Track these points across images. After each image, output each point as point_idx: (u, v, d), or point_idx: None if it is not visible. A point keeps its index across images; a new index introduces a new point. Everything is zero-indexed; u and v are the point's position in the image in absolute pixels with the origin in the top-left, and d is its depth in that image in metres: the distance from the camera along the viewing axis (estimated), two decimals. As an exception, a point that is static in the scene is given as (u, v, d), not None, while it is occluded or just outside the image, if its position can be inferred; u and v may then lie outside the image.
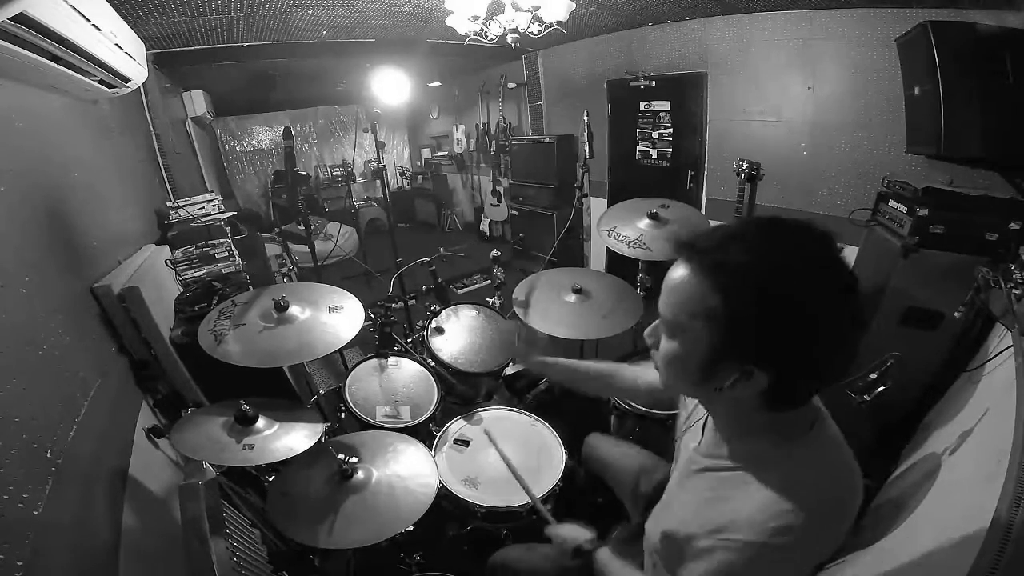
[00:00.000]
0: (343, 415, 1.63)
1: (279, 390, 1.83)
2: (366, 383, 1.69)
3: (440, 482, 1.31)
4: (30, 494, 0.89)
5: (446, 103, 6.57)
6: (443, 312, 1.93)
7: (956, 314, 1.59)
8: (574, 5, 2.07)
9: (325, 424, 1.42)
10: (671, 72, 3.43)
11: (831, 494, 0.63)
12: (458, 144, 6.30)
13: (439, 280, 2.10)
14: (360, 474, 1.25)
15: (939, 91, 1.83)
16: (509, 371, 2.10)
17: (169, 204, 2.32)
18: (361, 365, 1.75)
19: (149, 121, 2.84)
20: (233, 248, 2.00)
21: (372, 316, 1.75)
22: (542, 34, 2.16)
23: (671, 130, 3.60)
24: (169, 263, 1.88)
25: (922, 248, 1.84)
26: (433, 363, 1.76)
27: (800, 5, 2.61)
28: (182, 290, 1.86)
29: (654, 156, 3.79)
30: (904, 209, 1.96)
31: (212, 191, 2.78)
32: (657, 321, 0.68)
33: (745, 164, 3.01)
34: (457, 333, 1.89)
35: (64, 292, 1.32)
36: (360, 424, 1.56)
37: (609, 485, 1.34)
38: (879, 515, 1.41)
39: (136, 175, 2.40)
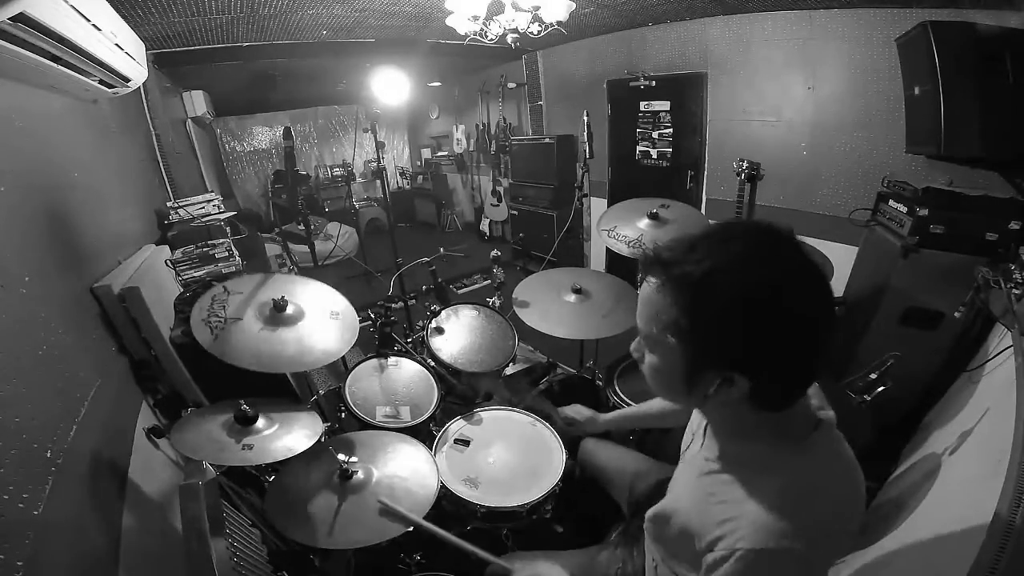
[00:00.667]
0: (343, 415, 1.63)
1: (279, 390, 1.83)
2: (366, 383, 1.69)
3: (440, 482, 1.30)
4: (30, 494, 0.89)
5: (446, 103, 6.58)
6: (443, 312, 1.93)
7: (956, 314, 1.59)
8: (574, 5, 2.08)
9: (325, 424, 1.42)
10: (671, 72, 3.43)
11: (832, 507, 0.62)
12: (458, 144, 6.30)
13: (439, 280, 2.09)
14: (360, 474, 1.25)
15: (939, 91, 1.84)
16: (509, 371, 2.10)
17: (169, 204, 2.32)
18: (361, 365, 1.75)
19: (149, 121, 2.84)
20: (233, 248, 2.00)
21: (372, 316, 1.75)
22: (542, 34, 2.16)
23: (671, 130, 3.61)
24: (169, 263, 1.88)
25: (922, 248, 1.84)
26: (433, 363, 1.76)
27: (800, 5, 2.61)
28: (182, 290, 1.86)
29: (654, 156, 3.79)
30: (904, 209, 1.96)
31: (212, 191, 2.78)
32: (639, 337, 0.69)
33: (745, 164, 3.02)
34: (457, 333, 1.89)
35: (64, 292, 1.32)
36: (360, 424, 1.55)
37: (605, 489, 1.35)
38: (879, 515, 1.41)
39: (136, 175, 2.40)
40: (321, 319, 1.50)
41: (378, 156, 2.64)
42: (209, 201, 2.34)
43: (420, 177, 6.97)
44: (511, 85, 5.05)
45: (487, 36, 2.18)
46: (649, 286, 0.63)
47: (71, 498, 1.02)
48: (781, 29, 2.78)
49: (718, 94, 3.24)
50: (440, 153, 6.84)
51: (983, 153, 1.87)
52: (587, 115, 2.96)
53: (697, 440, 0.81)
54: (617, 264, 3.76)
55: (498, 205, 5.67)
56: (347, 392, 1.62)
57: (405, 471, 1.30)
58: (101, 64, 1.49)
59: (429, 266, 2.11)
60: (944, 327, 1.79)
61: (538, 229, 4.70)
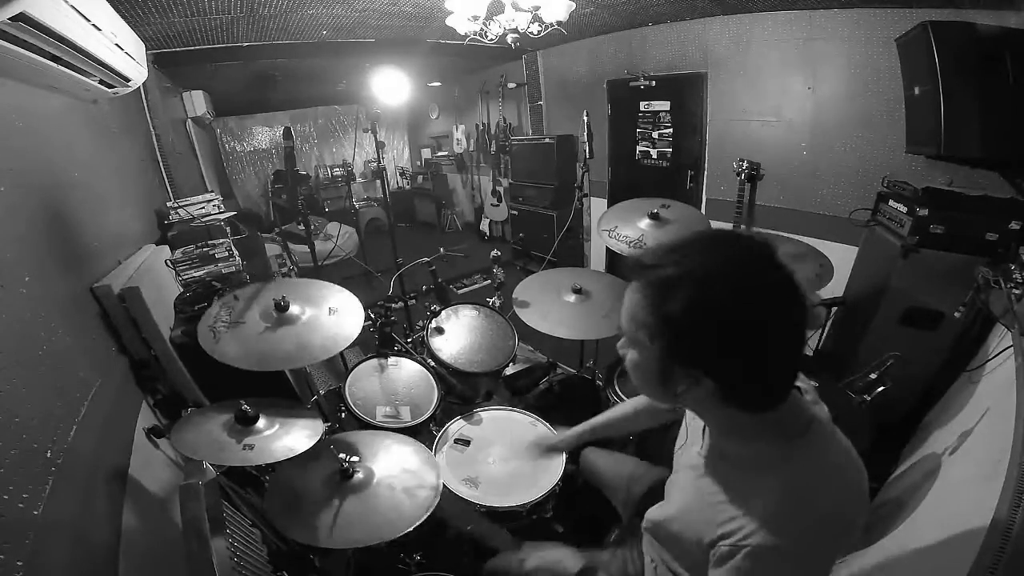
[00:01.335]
0: (343, 415, 1.63)
1: (279, 390, 1.83)
2: (366, 383, 1.69)
3: (440, 482, 1.30)
4: (30, 494, 0.89)
5: (446, 103, 6.58)
6: (443, 312, 1.93)
7: (956, 314, 1.59)
8: (574, 5, 2.07)
9: (325, 424, 1.42)
10: (671, 72, 3.43)
11: (833, 503, 0.63)
12: (458, 144, 6.30)
13: (439, 280, 2.09)
14: (360, 474, 1.25)
15: (939, 91, 1.83)
16: (509, 371, 2.10)
17: (169, 204, 2.31)
18: (361, 365, 1.75)
19: (149, 121, 2.84)
20: (233, 248, 2.00)
21: (372, 316, 1.75)
22: (542, 34, 2.16)
23: (671, 130, 3.61)
24: (169, 263, 1.88)
25: (922, 248, 1.84)
26: (433, 363, 1.76)
27: (800, 5, 2.61)
28: (182, 290, 1.86)
29: (654, 156, 3.79)
30: (904, 209, 1.97)
31: (212, 191, 2.78)
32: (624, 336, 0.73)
33: (745, 164, 3.02)
34: (457, 333, 1.89)
35: (64, 292, 1.32)
36: (360, 424, 1.56)
37: (605, 494, 1.36)
38: (879, 515, 1.41)
39: (136, 175, 2.40)
40: (323, 316, 1.51)
41: (378, 156, 2.63)
42: (209, 201, 2.34)
43: (420, 177, 6.97)
44: (511, 85, 5.05)
45: (487, 36, 2.18)
46: (630, 288, 0.68)
47: (71, 498, 1.02)
48: (781, 29, 2.78)
49: (718, 94, 3.24)
50: (440, 153, 6.84)
51: (983, 153, 1.87)
52: (587, 115, 2.96)
53: (695, 442, 0.82)
54: (617, 264, 3.76)
55: (498, 205, 5.67)
56: (347, 392, 1.62)
57: (405, 471, 1.30)
58: (101, 64, 1.49)
59: (429, 266, 2.11)
60: (944, 327, 1.79)
61: (538, 229, 4.70)
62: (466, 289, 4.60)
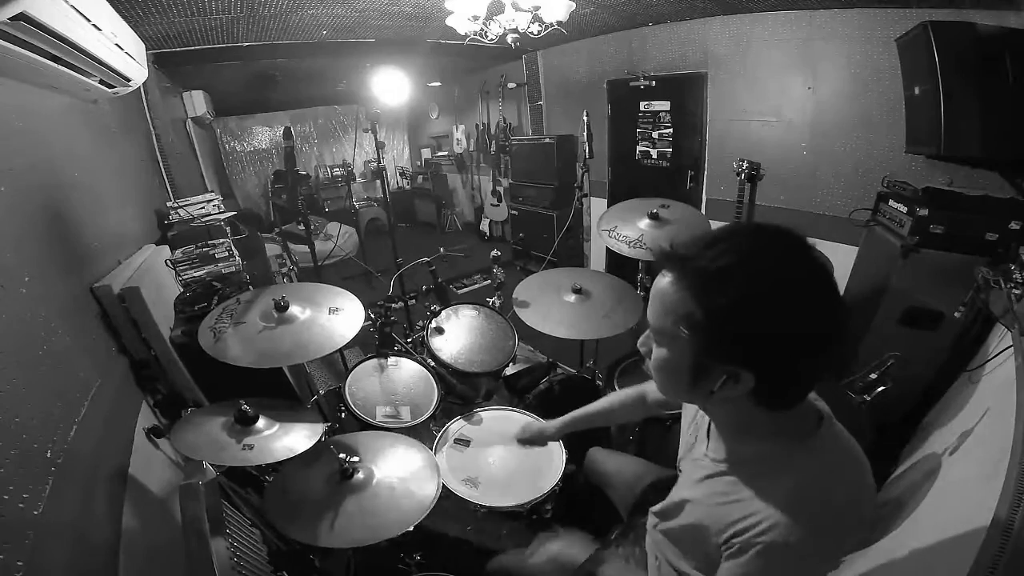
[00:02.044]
0: (343, 415, 1.63)
1: (279, 390, 1.83)
2: (366, 383, 1.69)
3: (440, 482, 1.30)
4: (30, 494, 0.89)
5: (446, 103, 6.58)
6: (443, 312, 1.93)
7: (956, 314, 1.59)
8: (574, 5, 2.07)
9: (325, 424, 1.42)
10: (671, 72, 3.43)
11: (847, 499, 0.63)
12: (458, 144, 6.30)
13: (439, 280, 2.09)
14: (360, 474, 1.25)
15: (939, 91, 1.83)
16: (509, 371, 2.10)
17: (169, 204, 2.31)
18: (361, 365, 1.75)
19: (149, 121, 2.84)
20: (233, 248, 2.00)
21: (372, 316, 1.75)
22: (542, 34, 2.16)
23: (671, 130, 3.61)
24: (169, 263, 1.88)
25: (922, 248, 1.84)
26: (433, 363, 1.76)
27: (800, 5, 2.61)
28: (182, 290, 1.86)
29: (654, 156, 3.79)
30: (904, 209, 1.96)
31: (212, 191, 2.78)
32: (649, 330, 0.70)
33: (745, 164, 3.02)
34: (457, 333, 1.89)
35: (64, 292, 1.32)
36: (360, 424, 1.56)
37: (608, 494, 1.36)
38: (879, 515, 1.41)
39: (136, 175, 2.40)
40: (322, 316, 1.51)
41: (378, 156, 2.64)
42: (209, 201, 2.34)
43: (420, 177, 6.97)
44: (511, 85, 5.05)
45: (487, 36, 2.18)
46: (664, 279, 0.64)
47: (71, 498, 1.02)
48: (781, 29, 2.78)
49: (718, 94, 3.24)
50: (440, 153, 6.84)
51: (983, 153, 1.87)
52: (587, 115, 2.96)
53: (701, 442, 0.82)
54: (617, 264, 3.76)
55: (498, 205, 5.67)
56: (347, 392, 1.62)
57: (405, 471, 1.30)
58: (101, 64, 1.49)
59: (429, 266, 2.11)
60: (944, 327, 1.79)
61: (538, 229, 4.70)
62: (466, 289, 4.60)
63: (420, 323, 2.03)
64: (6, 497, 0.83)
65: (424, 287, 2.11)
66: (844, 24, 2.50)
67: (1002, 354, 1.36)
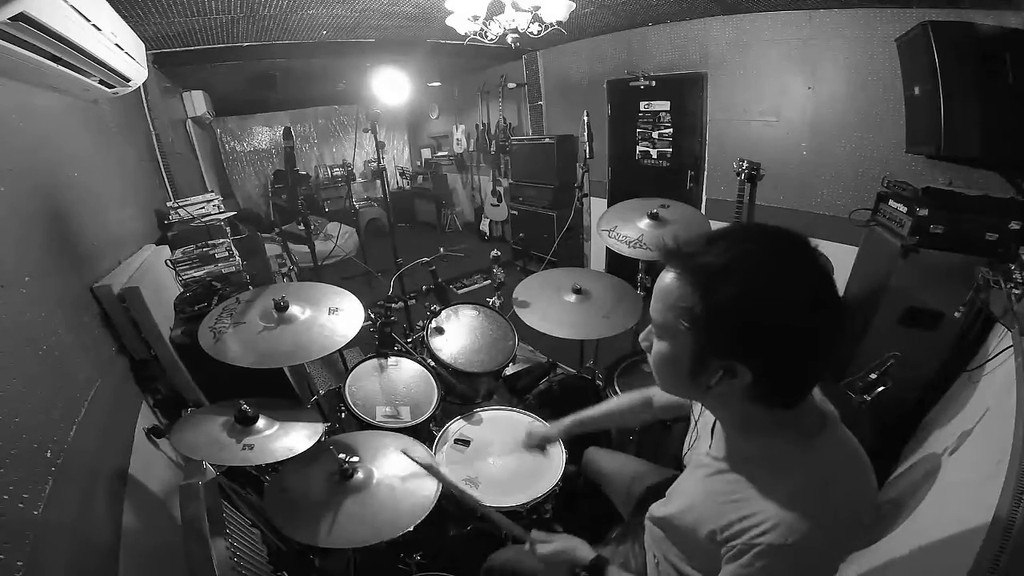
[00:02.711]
0: (343, 415, 1.63)
1: (279, 390, 1.83)
2: (366, 383, 1.69)
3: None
4: (30, 494, 0.89)
5: (446, 103, 6.58)
6: (443, 312, 1.93)
7: (956, 314, 1.59)
8: (574, 5, 2.08)
9: (325, 424, 1.42)
10: (671, 72, 3.43)
11: (848, 501, 0.63)
12: (458, 144, 6.30)
13: (439, 280, 2.09)
14: (360, 474, 1.25)
15: (939, 91, 1.83)
16: (509, 371, 2.10)
17: (169, 204, 2.31)
18: (361, 365, 1.75)
19: (149, 121, 2.84)
20: (233, 248, 2.00)
21: (372, 316, 1.75)
22: (542, 34, 2.16)
23: (671, 130, 3.61)
24: (169, 263, 1.88)
25: (922, 248, 1.84)
26: (433, 363, 1.76)
27: (800, 5, 2.61)
28: (182, 290, 1.86)
29: (654, 156, 3.79)
30: (904, 209, 1.96)
31: (212, 191, 2.78)
32: (650, 326, 0.71)
33: (745, 164, 3.01)
34: (457, 333, 1.89)
35: (64, 292, 1.32)
36: (360, 424, 1.56)
37: (606, 493, 1.36)
38: (879, 515, 1.41)
39: (136, 175, 2.40)
40: (321, 316, 1.51)
41: (378, 156, 2.63)
42: (209, 201, 2.34)
43: (420, 177, 6.97)
44: (511, 85, 5.05)
45: (487, 36, 2.18)
46: (668, 275, 0.65)
47: (71, 498, 1.02)
48: (781, 29, 2.78)
49: (718, 94, 3.24)
50: (440, 153, 6.84)
51: (983, 153, 1.87)
52: (587, 115, 2.96)
53: (704, 440, 0.82)
54: (617, 264, 3.76)
55: (498, 205, 5.67)
56: (347, 392, 1.62)
57: (405, 471, 1.30)
58: (101, 64, 1.49)
59: (429, 266, 2.11)
60: (944, 327, 1.79)
61: (538, 229, 4.70)
62: (466, 289, 4.60)
63: (420, 323, 2.03)
64: (6, 497, 0.83)
65: (424, 287, 2.11)
66: (844, 24, 2.50)
67: (1002, 354, 1.36)
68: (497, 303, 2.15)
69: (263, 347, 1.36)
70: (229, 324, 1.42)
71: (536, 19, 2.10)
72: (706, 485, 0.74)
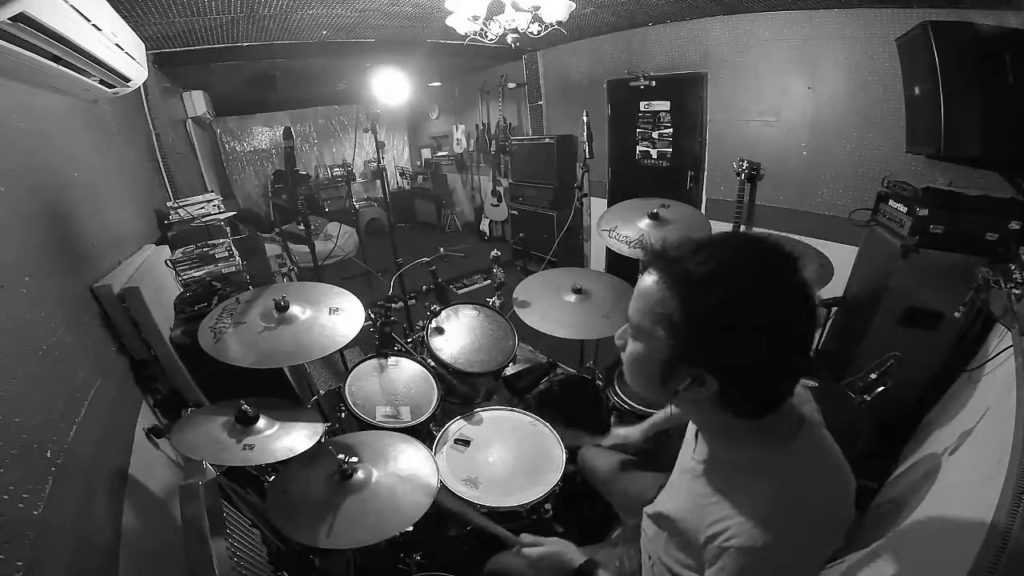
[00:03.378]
0: (343, 415, 1.63)
1: (279, 390, 1.83)
2: (366, 383, 1.69)
3: (440, 482, 1.30)
4: (30, 494, 0.89)
5: (446, 103, 6.58)
6: (443, 312, 1.93)
7: (956, 314, 1.59)
8: (574, 5, 2.07)
9: (325, 424, 1.42)
10: (671, 72, 3.43)
11: (819, 505, 0.64)
12: (458, 144, 6.30)
13: (439, 280, 2.09)
14: (360, 474, 1.25)
15: (939, 91, 1.83)
16: (509, 371, 2.10)
17: (169, 204, 2.31)
18: (361, 365, 1.75)
19: (149, 121, 2.84)
20: (233, 248, 2.00)
21: (372, 316, 1.75)
22: (542, 34, 2.16)
23: (671, 130, 3.61)
24: (169, 263, 1.88)
25: (922, 248, 1.84)
26: (433, 363, 1.76)
27: (800, 5, 2.61)
28: (182, 290, 1.86)
29: (654, 156, 3.79)
30: (904, 209, 1.96)
31: (212, 191, 2.78)
32: (626, 325, 0.71)
33: (745, 164, 3.01)
34: (457, 333, 1.89)
35: (64, 292, 1.32)
36: (360, 424, 1.56)
37: (602, 493, 1.36)
38: (879, 515, 1.41)
39: (136, 175, 2.40)
40: (322, 316, 1.51)
41: (378, 156, 2.63)
42: (209, 201, 2.34)
43: (420, 177, 6.97)
44: (511, 85, 5.05)
45: (487, 36, 2.18)
46: (649, 278, 0.65)
47: (71, 498, 1.02)
48: (781, 29, 2.78)
49: (718, 94, 3.24)
50: (440, 153, 6.83)
51: (983, 153, 1.87)
52: (587, 115, 2.96)
53: (690, 444, 0.83)
54: (617, 264, 3.76)
55: (498, 205, 5.67)
56: (347, 392, 1.62)
57: (405, 471, 1.30)
58: (101, 64, 1.49)
59: (429, 266, 2.11)
60: (944, 327, 1.79)
61: (538, 229, 4.70)
62: (466, 289, 4.60)
63: (420, 323, 2.03)
64: (6, 497, 0.83)
65: (424, 287, 2.11)
66: (844, 24, 2.50)
67: (1002, 354, 1.36)
68: (497, 303, 2.15)
69: (263, 347, 1.36)
70: (229, 324, 1.42)
71: (536, 19, 2.10)
72: (691, 487, 0.76)
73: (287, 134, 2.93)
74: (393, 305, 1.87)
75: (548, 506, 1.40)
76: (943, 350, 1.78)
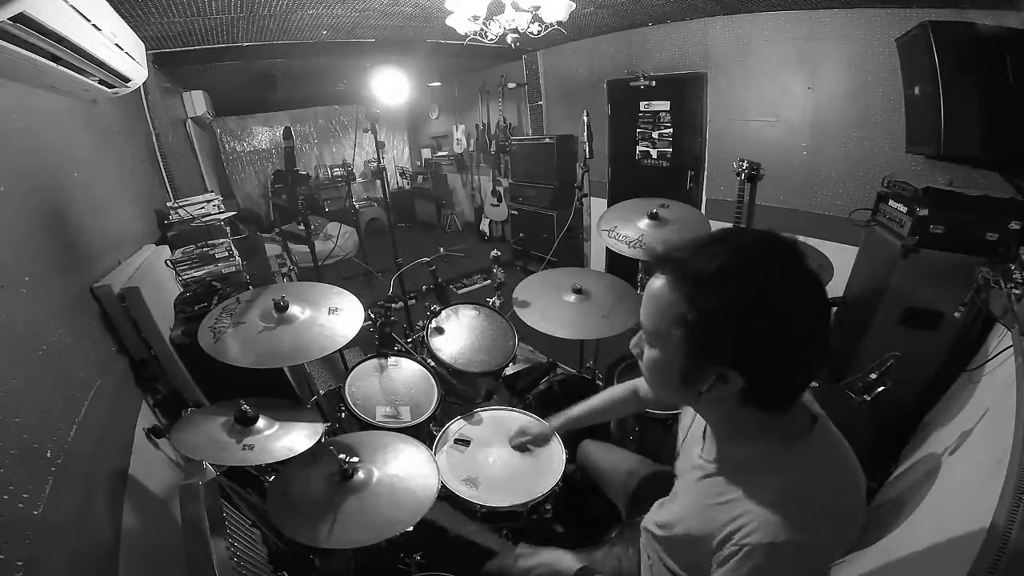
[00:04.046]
0: (343, 415, 1.63)
1: (279, 390, 1.83)
2: (366, 383, 1.69)
3: (440, 482, 1.30)
4: (30, 494, 0.89)
5: (446, 103, 6.58)
6: (443, 312, 1.93)
7: (956, 314, 1.59)
8: (574, 5, 2.07)
9: (325, 424, 1.42)
10: (671, 72, 3.43)
11: (836, 499, 0.64)
12: (458, 144, 6.30)
13: (439, 280, 2.09)
14: (360, 474, 1.25)
15: (939, 91, 1.83)
16: (509, 371, 2.10)
17: (169, 204, 2.32)
18: (361, 365, 1.75)
19: (149, 121, 2.84)
20: (233, 248, 2.00)
21: (372, 316, 1.75)
22: (542, 34, 2.16)
23: (671, 130, 3.61)
24: (169, 263, 1.88)
25: (922, 248, 1.84)
26: (433, 363, 1.76)
27: (800, 5, 2.61)
28: (182, 290, 1.86)
29: (654, 156, 3.79)
30: (904, 209, 1.96)
31: (212, 191, 2.78)
32: (641, 332, 0.70)
33: (745, 164, 3.01)
34: (457, 333, 1.89)
35: (64, 292, 1.32)
36: (360, 424, 1.56)
37: (603, 489, 1.36)
38: (879, 515, 1.41)
39: (136, 175, 2.40)
40: (321, 316, 1.51)
41: (378, 156, 2.63)
42: (209, 201, 2.34)
43: (420, 177, 6.97)
44: (511, 85, 5.05)
45: (487, 36, 2.18)
46: (658, 281, 0.65)
47: (71, 498, 1.02)
48: (781, 29, 2.78)
49: (718, 94, 3.24)
50: (440, 153, 6.83)
51: (983, 153, 1.87)
52: (587, 115, 2.96)
53: (696, 444, 0.82)
54: (617, 264, 3.76)
55: (498, 205, 5.67)
56: (347, 392, 1.62)
57: (405, 471, 1.30)
58: (101, 64, 1.49)
59: (429, 266, 2.11)
60: (944, 327, 1.79)
61: (538, 229, 4.70)
62: (466, 289, 4.60)
63: (420, 323, 2.03)
64: (6, 497, 0.83)
65: (424, 287, 2.11)
66: (844, 24, 2.50)
67: (1002, 354, 1.36)
68: (497, 303, 2.15)
69: (263, 347, 1.36)
70: (229, 324, 1.42)
71: (536, 19, 2.10)
72: (698, 488, 0.75)
73: (287, 134, 2.93)
74: (393, 305, 1.87)
75: (548, 506, 1.40)
76: (943, 350, 1.78)
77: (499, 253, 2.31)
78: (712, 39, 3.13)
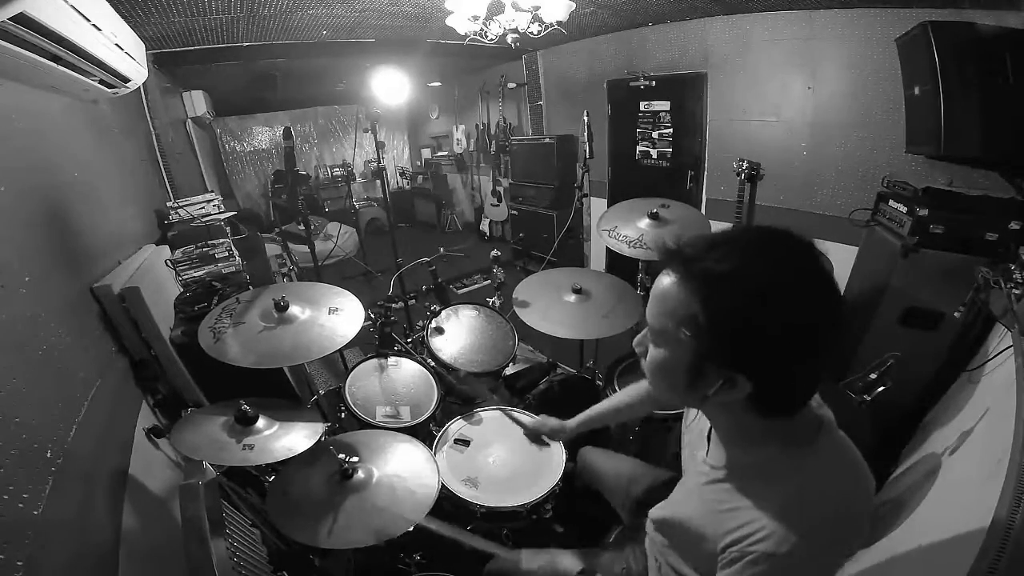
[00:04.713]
0: (343, 415, 1.63)
1: (279, 390, 1.83)
2: (366, 383, 1.69)
3: (440, 482, 1.30)
4: (30, 494, 0.89)
5: (446, 103, 6.57)
6: (443, 312, 1.93)
7: (956, 314, 1.59)
8: (574, 5, 2.07)
9: (325, 424, 1.42)
10: (671, 72, 3.43)
11: (844, 507, 0.62)
12: (458, 144, 6.30)
13: (439, 280, 2.09)
14: (360, 474, 1.25)
15: (939, 91, 1.83)
16: (509, 371, 2.10)
17: (169, 204, 2.32)
18: (361, 365, 1.75)
19: (149, 121, 2.84)
20: (233, 248, 2.00)
21: (372, 316, 1.75)
22: (542, 34, 2.16)
23: (671, 130, 3.60)
24: (169, 263, 1.88)
25: (922, 248, 1.84)
26: (433, 363, 1.76)
27: (800, 5, 2.61)
28: (182, 290, 1.86)
29: (654, 156, 3.79)
30: (904, 209, 1.96)
31: (212, 191, 2.78)
32: (645, 330, 0.68)
33: (745, 164, 3.01)
34: (457, 333, 1.89)
35: (64, 292, 1.32)
36: (360, 424, 1.56)
37: (603, 494, 1.36)
38: (879, 515, 1.41)
39: (136, 175, 2.40)
40: (321, 316, 1.50)
41: (378, 156, 2.63)
42: (209, 201, 2.34)
43: (420, 177, 6.97)
44: (511, 85, 5.04)
45: (487, 36, 2.18)
46: (667, 279, 0.62)
47: (71, 498, 1.02)
48: (781, 29, 2.78)
49: (718, 94, 3.24)
50: (440, 153, 6.83)
51: (983, 153, 1.87)
52: (587, 115, 2.96)
53: (701, 447, 0.81)
54: (617, 264, 3.76)
55: (498, 205, 5.67)
56: (347, 392, 1.62)
57: (405, 471, 1.30)
58: (101, 64, 1.49)
59: (429, 266, 2.11)
60: (944, 327, 1.79)
61: (538, 229, 4.70)
62: (466, 289, 4.60)
63: (420, 323, 2.03)
64: (6, 497, 0.83)
65: (424, 287, 2.11)
66: (844, 24, 2.50)
67: (1002, 354, 1.36)
68: (497, 303, 2.15)
69: (263, 347, 1.36)
70: (229, 324, 1.42)
71: (536, 19, 2.10)
72: (703, 493, 0.73)
73: (287, 134, 2.93)
74: (393, 305, 1.87)
75: (548, 506, 1.40)
76: (943, 350, 1.78)
77: (499, 253, 2.31)
78: (712, 39, 3.13)
